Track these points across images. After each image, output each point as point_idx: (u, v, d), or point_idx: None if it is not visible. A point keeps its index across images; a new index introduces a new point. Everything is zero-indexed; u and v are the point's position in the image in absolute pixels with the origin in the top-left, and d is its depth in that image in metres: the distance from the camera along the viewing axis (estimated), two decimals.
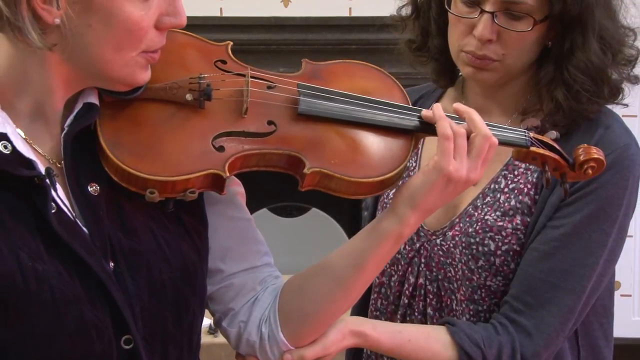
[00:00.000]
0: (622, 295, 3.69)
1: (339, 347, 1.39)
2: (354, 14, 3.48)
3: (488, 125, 1.30)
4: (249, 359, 1.35)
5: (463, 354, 1.43)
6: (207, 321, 2.79)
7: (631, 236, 3.56)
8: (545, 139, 1.36)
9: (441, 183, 1.25)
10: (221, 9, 3.50)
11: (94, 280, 1.12)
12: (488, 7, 1.45)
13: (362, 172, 1.25)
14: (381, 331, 1.44)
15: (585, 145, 1.36)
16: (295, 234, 3.68)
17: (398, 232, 1.28)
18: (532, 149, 1.34)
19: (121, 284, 1.15)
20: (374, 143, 1.28)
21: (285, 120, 1.25)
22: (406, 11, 1.66)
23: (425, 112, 1.30)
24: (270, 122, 1.25)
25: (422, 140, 1.34)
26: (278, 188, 3.69)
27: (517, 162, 1.53)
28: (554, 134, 1.38)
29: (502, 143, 1.33)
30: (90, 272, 1.12)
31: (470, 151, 1.26)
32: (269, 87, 1.27)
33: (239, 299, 1.33)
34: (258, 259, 1.35)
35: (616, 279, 3.96)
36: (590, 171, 1.35)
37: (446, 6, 1.52)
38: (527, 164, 1.51)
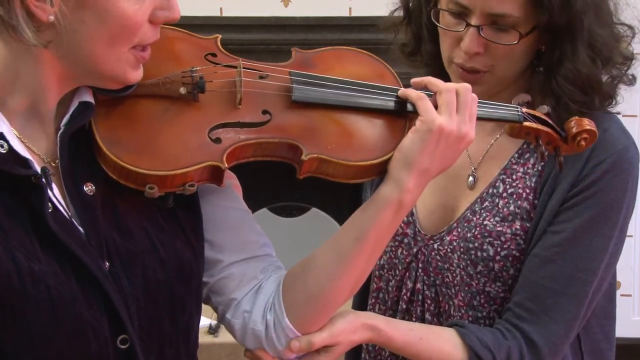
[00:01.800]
0: (622, 295, 3.68)
1: (350, 339, 1.37)
2: (354, 14, 3.48)
3: (482, 102, 1.31)
4: (258, 352, 1.32)
5: (474, 355, 1.42)
6: (207, 321, 2.80)
7: (631, 236, 3.55)
8: (537, 113, 1.36)
9: (432, 139, 1.24)
10: (221, 9, 3.50)
11: (90, 280, 1.12)
12: (474, 21, 1.43)
13: (358, 155, 1.25)
14: (394, 327, 1.42)
15: (577, 117, 1.36)
16: (295, 234, 3.67)
17: (398, 199, 1.25)
18: (525, 123, 1.34)
19: (117, 284, 1.15)
20: (369, 126, 1.28)
21: (280, 108, 1.26)
22: (399, 14, 1.64)
23: (400, 92, 1.30)
24: (264, 112, 1.25)
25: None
26: (278, 188, 3.70)
27: (514, 166, 1.52)
28: (545, 108, 1.38)
29: (496, 120, 1.34)
30: (86, 272, 1.12)
31: (457, 105, 1.26)
32: (261, 77, 1.27)
33: (241, 288, 1.31)
34: (257, 248, 1.33)
35: (616, 278, 3.94)
36: (583, 143, 1.35)
37: (433, 19, 1.50)
38: (525, 169, 1.51)
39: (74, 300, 1.10)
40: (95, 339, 1.12)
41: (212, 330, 2.96)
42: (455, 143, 1.25)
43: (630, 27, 1.53)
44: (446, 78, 1.59)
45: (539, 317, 1.45)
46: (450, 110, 1.25)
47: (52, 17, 1.07)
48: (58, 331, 1.09)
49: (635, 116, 3.48)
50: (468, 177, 1.56)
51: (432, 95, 1.28)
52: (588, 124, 1.34)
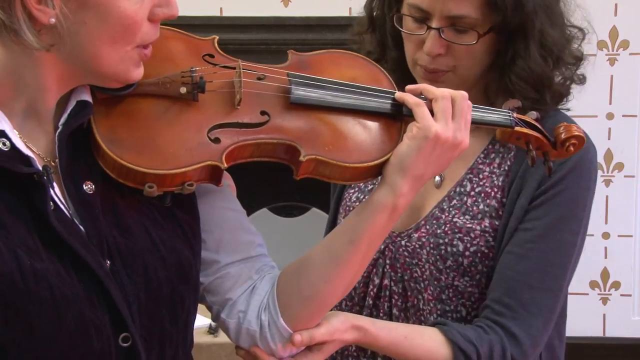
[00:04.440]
0: (622, 295, 3.68)
1: (341, 338, 1.40)
2: (354, 14, 3.47)
3: (475, 106, 1.33)
4: (253, 349, 1.34)
5: (458, 350, 1.45)
6: (207, 321, 2.80)
7: (631, 236, 3.55)
8: (527, 118, 1.39)
9: (428, 146, 1.26)
10: (221, 9, 3.50)
11: (92, 279, 1.12)
12: (434, 24, 1.48)
13: (355, 157, 1.27)
14: (379, 327, 1.45)
15: (565, 123, 1.40)
16: (295, 234, 3.67)
17: (392, 203, 1.28)
18: (517, 128, 1.37)
19: (118, 282, 1.15)
20: (365, 129, 1.30)
21: (278, 109, 1.27)
22: (362, 24, 1.68)
23: (396, 95, 1.32)
24: (263, 112, 1.26)
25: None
26: (278, 188, 3.70)
27: (481, 166, 1.56)
28: (534, 114, 1.41)
29: (489, 124, 1.36)
30: (88, 271, 1.12)
31: (453, 113, 1.28)
32: (259, 78, 1.28)
33: (236, 288, 1.33)
34: (252, 249, 1.35)
35: (616, 278, 3.95)
36: (572, 148, 1.38)
37: (396, 24, 1.55)
38: (491, 169, 1.55)
39: (76, 299, 1.10)
40: (97, 337, 1.12)
41: (212, 330, 2.95)
42: (450, 150, 1.28)
43: (581, 29, 1.58)
44: (411, 83, 1.62)
45: (518, 312, 1.49)
46: (447, 117, 1.27)
47: (53, 20, 1.07)
48: (60, 330, 1.09)
49: (635, 116, 3.48)
50: (434, 177, 1.58)
51: (427, 102, 1.30)
52: (576, 129, 1.37)
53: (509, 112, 1.38)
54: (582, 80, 1.59)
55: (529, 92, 1.50)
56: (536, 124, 1.39)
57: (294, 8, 3.51)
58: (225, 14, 3.50)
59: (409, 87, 1.33)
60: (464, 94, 1.30)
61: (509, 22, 1.47)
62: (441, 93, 1.29)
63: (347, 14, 3.45)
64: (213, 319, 1.36)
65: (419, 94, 1.32)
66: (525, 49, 1.49)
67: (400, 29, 1.54)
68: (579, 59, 1.58)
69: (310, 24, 3.46)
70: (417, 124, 1.27)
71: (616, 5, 3.41)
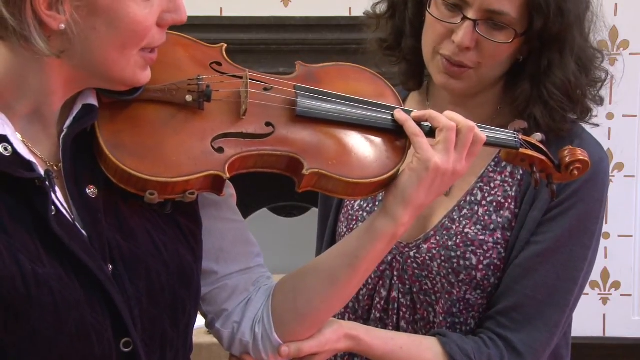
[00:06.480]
0: (622, 295, 3.68)
1: (333, 348, 1.40)
2: (354, 14, 3.47)
3: (481, 126, 1.31)
4: (244, 357, 1.36)
5: None
6: None
7: (631, 236, 3.55)
8: (532, 140, 1.38)
9: (429, 177, 1.26)
10: (221, 9, 3.49)
11: (94, 283, 1.12)
12: (471, 15, 1.44)
13: (359, 173, 1.26)
14: (374, 336, 1.45)
15: (570, 147, 1.38)
16: (296, 234, 3.67)
17: (393, 232, 1.29)
18: (522, 150, 1.36)
19: (120, 287, 1.15)
20: (370, 144, 1.29)
21: (283, 121, 1.26)
22: (381, 8, 1.64)
23: (396, 114, 1.30)
24: (268, 124, 1.26)
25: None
26: (278, 188, 3.69)
27: (491, 174, 1.54)
28: (539, 135, 1.39)
29: (494, 144, 1.35)
30: (89, 275, 1.12)
31: (456, 143, 1.27)
32: (266, 89, 1.28)
33: (232, 299, 1.34)
34: (251, 260, 1.36)
35: (616, 278, 3.95)
36: (576, 172, 1.37)
37: (427, 8, 1.50)
38: (503, 177, 1.53)
39: (77, 304, 1.10)
40: (98, 342, 1.12)
41: None
42: (448, 179, 1.28)
43: (601, 52, 1.56)
44: (422, 75, 1.60)
45: (523, 326, 1.48)
46: (448, 148, 1.26)
47: (63, 26, 1.07)
48: (62, 334, 1.09)
49: (635, 116, 3.48)
50: None
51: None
52: (581, 153, 1.36)
53: (514, 134, 1.36)
54: (600, 101, 1.56)
55: (565, 103, 1.48)
56: (541, 146, 1.38)
57: (294, 8, 3.50)
58: (225, 14, 3.50)
59: (414, 114, 1.31)
60: (472, 125, 1.28)
61: (548, 29, 1.43)
62: (447, 123, 1.27)
63: (347, 14, 3.44)
64: (207, 326, 1.38)
65: (424, 121, 1.30)
66: (562, 59, 1.46)
67: (430, 13, 1.49)
68: (597, 82, 1.55)
69: (310, 24, 3.45)
70: (417, 154, 1.26)
71: (616, 5, 3.41)
